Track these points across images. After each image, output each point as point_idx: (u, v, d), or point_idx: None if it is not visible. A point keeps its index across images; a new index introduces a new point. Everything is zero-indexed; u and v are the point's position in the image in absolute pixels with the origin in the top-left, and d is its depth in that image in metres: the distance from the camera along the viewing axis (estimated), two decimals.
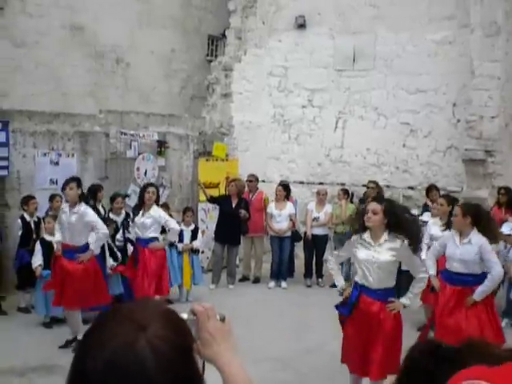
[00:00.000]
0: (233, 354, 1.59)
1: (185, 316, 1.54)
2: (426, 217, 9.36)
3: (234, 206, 11.16)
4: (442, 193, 10.37)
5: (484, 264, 6.52)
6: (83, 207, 7.69)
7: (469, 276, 6.54)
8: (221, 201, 11.39)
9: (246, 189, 11.90)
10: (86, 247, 7.77)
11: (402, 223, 5.56)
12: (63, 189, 7.77)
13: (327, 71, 13.58)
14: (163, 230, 9.20)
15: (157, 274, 8.66)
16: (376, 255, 5.52)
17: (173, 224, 8.70)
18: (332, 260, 6.11)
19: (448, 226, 8.05)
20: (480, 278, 6.53)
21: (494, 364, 1.25)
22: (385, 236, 5.55)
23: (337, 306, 5.86)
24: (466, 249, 6.50)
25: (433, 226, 8.52)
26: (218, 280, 11.19)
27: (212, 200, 11.45)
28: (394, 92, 12.90)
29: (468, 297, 6.48)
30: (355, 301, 5.63)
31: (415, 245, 5.61)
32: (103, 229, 7.82)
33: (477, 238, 6.46)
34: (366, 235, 5.62)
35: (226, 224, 11.05)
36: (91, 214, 7.74)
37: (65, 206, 7.88)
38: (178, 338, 1.27)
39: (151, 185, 9.15)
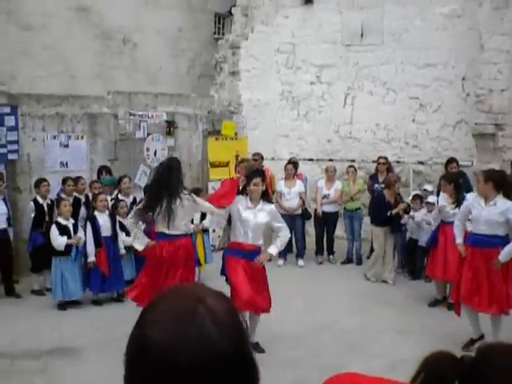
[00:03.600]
0: None
1: None
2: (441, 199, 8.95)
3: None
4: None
5: (510, 226, 6.72)
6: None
7: (494, 237, 6.71)
8: None
9: None
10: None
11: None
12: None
13: (335, 47, 13.49)
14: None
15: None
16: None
17: None
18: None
19: (458, 203, 8.11)
20: (505, 240, 6.73)
21: None
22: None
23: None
24: (492, 210, 6.68)
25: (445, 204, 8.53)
26: None
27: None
28: (403, 66, 12.80)
29: (494, 260, 6.61)
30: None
31: None
32: None
33: (502, 202, 6.67)
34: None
35: None
36: None
37: (241, 203, 7.00)
38: (232, 308, 1.33)
39: None
